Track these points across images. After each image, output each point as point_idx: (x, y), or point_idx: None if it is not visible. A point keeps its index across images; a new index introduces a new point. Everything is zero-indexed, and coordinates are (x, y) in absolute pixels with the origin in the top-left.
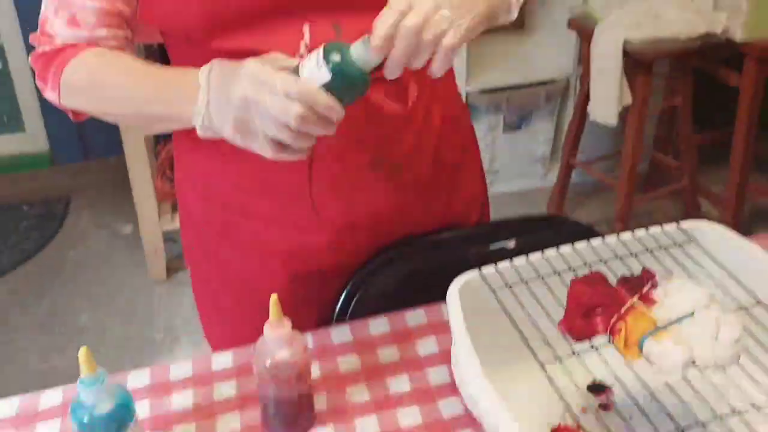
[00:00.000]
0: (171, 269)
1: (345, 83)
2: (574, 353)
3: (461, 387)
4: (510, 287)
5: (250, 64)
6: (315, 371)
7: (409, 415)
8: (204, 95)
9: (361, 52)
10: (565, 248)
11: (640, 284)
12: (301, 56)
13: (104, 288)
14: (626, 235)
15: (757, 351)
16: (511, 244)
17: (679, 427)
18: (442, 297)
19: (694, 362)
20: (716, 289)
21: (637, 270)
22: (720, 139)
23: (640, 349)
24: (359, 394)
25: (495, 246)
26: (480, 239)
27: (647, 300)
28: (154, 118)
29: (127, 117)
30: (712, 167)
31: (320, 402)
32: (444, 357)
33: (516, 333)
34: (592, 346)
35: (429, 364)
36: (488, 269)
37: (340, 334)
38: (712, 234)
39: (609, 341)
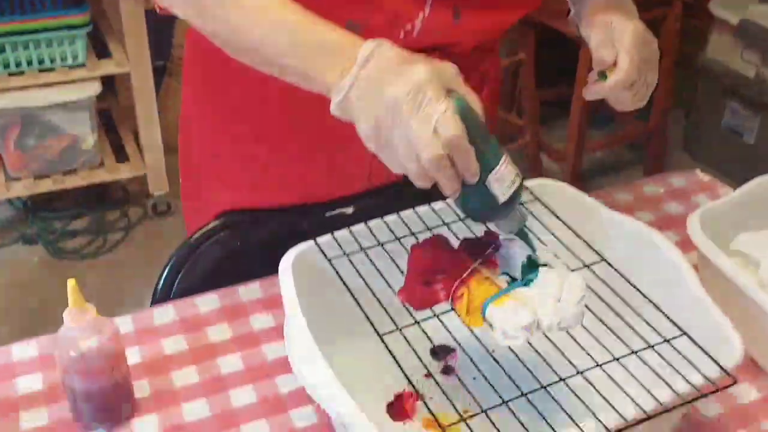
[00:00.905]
0: None
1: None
2: (415, 322)
3: (294, 364)
4: (348, 256)
5: (421, 67)
6: (135, 357)
7: (243, 395)
8: (353, 76)
9: None
10: (406, 212)
11: (483, 247)
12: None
13: None
14: None
15: (600, 309)
16: (349, 210)
17: (523, 390)
18: (277, 270)
19: (538, 325)
20: (560, 248)
21: (480, 233)
22: (563, 96)
23: (483, 314)
24: (186, 377)
25: (332, 213)
26: (317, 208)
27: (490, 263)
28: (282, 69)
29: (247, 53)
30: (553, 123)
31: (142, 389)
32: (281, 332)
33: (354, 304)
34: (434, 314)
35: (265, 340)
36: (324, 238)
37: (163, 314)
38: (555, 192)
39: (451, 308)
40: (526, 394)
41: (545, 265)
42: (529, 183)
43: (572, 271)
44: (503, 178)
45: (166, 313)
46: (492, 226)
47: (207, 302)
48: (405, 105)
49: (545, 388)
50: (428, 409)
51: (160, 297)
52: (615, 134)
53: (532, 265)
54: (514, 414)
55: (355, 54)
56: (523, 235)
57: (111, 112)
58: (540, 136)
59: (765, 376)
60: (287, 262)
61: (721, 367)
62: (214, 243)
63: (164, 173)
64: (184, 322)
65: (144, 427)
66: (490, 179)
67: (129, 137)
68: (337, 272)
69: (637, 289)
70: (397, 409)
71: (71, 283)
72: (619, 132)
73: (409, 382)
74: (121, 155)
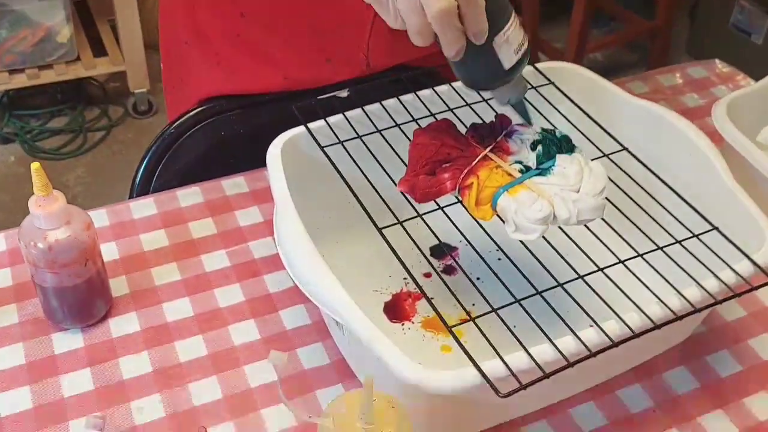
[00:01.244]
0: None
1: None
2: (417, 215)
3: (285, 259)
4: (342, 144)
5: None
6: (112, 252)
7: (230, 294)
8: None
9: None
10: (407, 96)
11: (494, 132)
12: None
13: None
14: None
15: (622, 202)
16: (343, 93)
17: (536, 289)
18: (264, 164)
19: (554, 218)
20: (577, 136)
21: (490, 118)
22: None
23: (494, 206)
24: (167, 274)
25: (324, 96)
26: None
27: (502, 150)
28: None
29: None
30: (552, 22)
31: (119, 287)
32: (269, 227)
33: (350, 196)
34: (438, 207)
35: (252, 236)
36: (317, 123)
37: (143, 207)
38: (571, 76)
39: (458, 200)
40: (541, 292)
41: (570, 149)
42: (542, 65)
43: (591, 160)
44: (511, 41)
45: (145, 206)
46: (488, 95)
47: (189, 196)
48: None
49: (562, 286)
50: (434, 309)
51: (139, 193)
52: (617, 33)
53: (550, 152)
54: (528, 313)
55: None
56: (521, 107)
57: (87, 3)
58: (539, 35)
59: None
60: (276, 149)
61: (755, 264)
62: (196, 133)
63: (145, 69)
64: (165, 216)
65: (122, 326)
66: (498, 41)
67: (107, 30)
68: (330, 161)
69: (662, 181)
70: (395, 309)
71: (35, 166)
72: (621, 31)
73: (413, 279)
74: (98, 49)
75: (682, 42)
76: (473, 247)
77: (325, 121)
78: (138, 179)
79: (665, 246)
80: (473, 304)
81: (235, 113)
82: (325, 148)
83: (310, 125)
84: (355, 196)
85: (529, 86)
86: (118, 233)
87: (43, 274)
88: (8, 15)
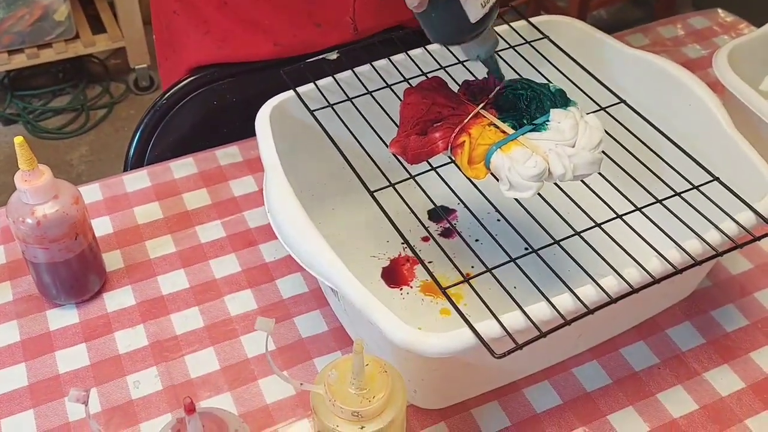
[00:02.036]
0: None
1: None
2: (410, 177)
3: (278, 232)
4: (332, 107)
5: None
6: (106, 226)
7: (225, 265)
8: None
9: None
10: (398, 57)
11: (487, 89)
12: None
13: None
14: None
15: (620, 155)
16: (332, 55)
17: (531, 248)
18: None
19: (549, 174)
20: (573, 90)
21: (483, 75)
22: None
23: (487, 165)
24: (162, 247)
25: (313, 59)
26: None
27: (495, 107)
28: None
29: None
30: None
31: (113, 261)
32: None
33: (340, 161)
34: (431, 168)
35: (247, 206)
36: (306, 87)
37: (136, 180)
38: (565, 29)
39: (450, 160)
40: (537, 250)
41: (565, 103)
42: (536, 19)
43: (587, 114)
44: None
45: (139, 179)
46: (458, 50)
47: (182, 167)
48: None
49: (558, 243)
50: (428, 271)
51: (133, 166)
52: None
53: (544, 106)
54: (524, 272)
55: None
56: (492, 62)
57: None
58: None
59: None
60: (264, 114)
61: (758, 214)
62: (188, 103)
63: (144, 44)
64: (158, 188)
65: (118, 300)
66: None
67: (105, 7)
68: (320, 124)
69: (661, 132)
70: (394, 274)
71: (18, 140)
72: None
73: (408, 244)
74: (97, 27)
75: None
76: (469, 210)
77: (315, 84)
78: (132, 152)
79: (664, 199)
80: (472, 267)
81: (226, 82)
82: (314, 112)
83: (299, 89)
84: (347, 160)
85: (522, 41)
86: (111, 207)
87: (33, 250)
88: None
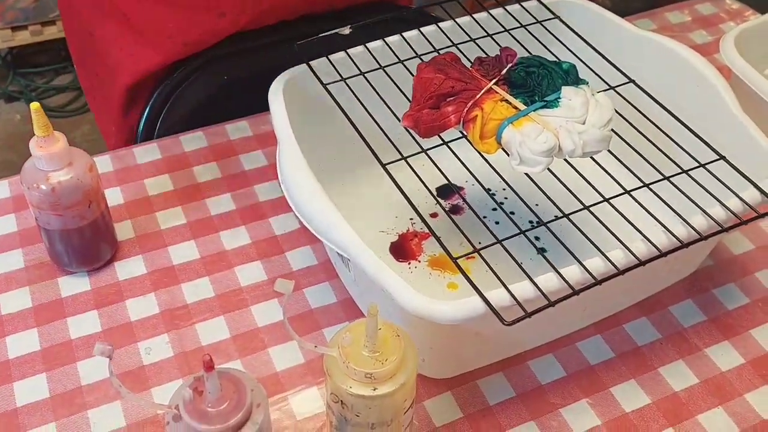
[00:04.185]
0: None
1: None
2: (422, 150)
3: (290, 200)
4: (345, 81)
5: None
6: (116, 197)
7: (235, 237)
8: None
9: None
10: (410, 33)
11: (499, 65)
12: None
13: None
14: (481, 15)
15: (629, 133)
16: (345, 30)
17: (540, 221)
18: (267, 106)
19: (559, 150)
20: (582, 69)
21: (495, 52)
22: None
23: (498, 139)
24: (173, 218)
25: (326, 33)
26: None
27: (508, 83)
28: None
29: None
30: None
31: (125, 230)
32: (274, 171)
33: (354, 135)
34: (443, 142)
35: (256, 180)
36: (318, 61)
37: (147, 153)
38: (578, 10)
39: (462, 135)
40: (546, 223)
41: (577, 81)
42: (547, 0)
43: (598, 92)
44: None
45: (149, 152)
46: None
47: (192, 141)
48: None
49: (567, 216)
50: (439, 241)
51: (142, 139)
52: None
53: (556, 84)
54: (533, 244)
55: None
56: None
57: None
58: None
59: None
60: (278, 87)
61: (763, 192)
62: (198, 79)
63: None
64: (169, 161)
65: (128, 269)
66: None
67: None
68: (332, 97)
69: (669, 111)
70: (402, 249)
71: (34, 106)
72: None
73: (419, 216)
74: None
75: None
76: (480, 184)
77: (327, 58)
78: (141, 127)
79: (672, 176)
80: (479, 243)
81: (235, 58)
82: (327, 86)
83: (312, 63)
84: (359, 132)
85: (534, 20)
86: (122, 178)
87: (47, 216)
88: None
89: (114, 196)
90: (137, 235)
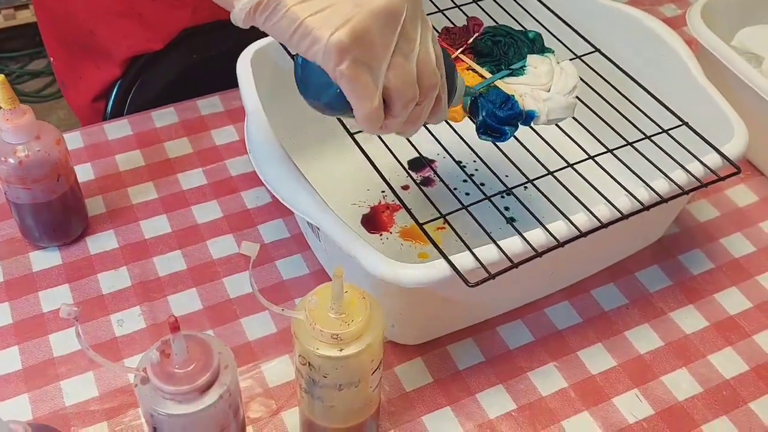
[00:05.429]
0: None
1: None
2: None
3: (259, 171)
4: None
5: None
6: (87, 173)
7: (207, 211)
8: None
9: None
10: None
11: (466, 35)
12: None
13: None
14: None
15: (594, 101)
16: None
17: (506, 187)
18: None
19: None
20: (548, 39)
21: (462, 21)
22: None
23: (465, 108)
24: (144, 193)
25: None
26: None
27: (474, 52)
28: None
29: None
30: None
31: (96, 206)
32: (245, 145)
33: None
34: None
35: (228, 155)
36: None
37: (117, 129)
38: None
39: None
40: (510, 189)
41: (542, 50)
42: None
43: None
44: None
45: (120, 127)
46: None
47: (164, 116)
48: (410, 23)
49: (532, 182)
50: (407, 209)
51: (112, 116)
52: None
53: (521, 52)
54: (497, 208)
55: None
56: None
57: None
58: None
59: (764, 178)
60: (246, 57)
61: (723, 155)
62: (168, 55)
63: None
64: (140, 136)
65: (100, 243)
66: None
67: None
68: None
69: (633, 79)
70: (374, 220)
71: (0, 78)
72: None
73: (389, 187)
74: None
75: None
76: (451, 156)
77: None
78: (110, 101)
79: (635, 141)
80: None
81: (206, 36)
82: (296, 57)
83: None
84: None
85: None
86: (93, 154)
87: (15, 190)
88: None
89: (85, 172)
90: (108, 210)
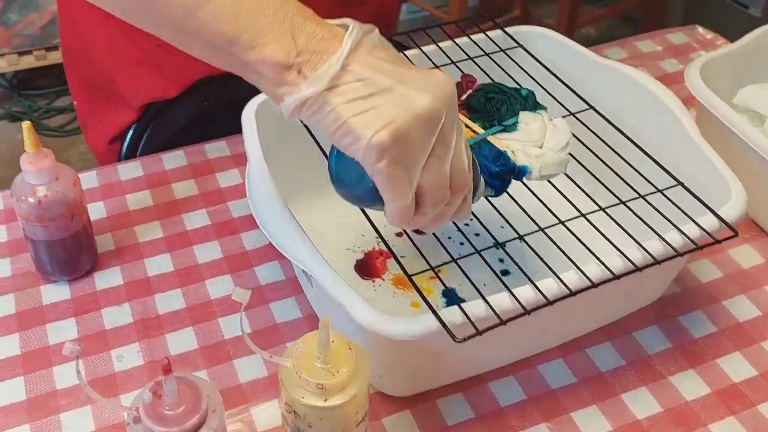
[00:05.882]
0: None
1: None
2: None
3: (255, 214)
4: None
5: (441, 74)
6: (99, 211)
7: (208, 251)
8: (340, 60)
9: None
10: None
11: (459, 91)
12: None
13: None
14: (446, 43)
15: (587, 159)
16: None
17: (497, 242)
18: None
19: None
20: (543, 96)
21: (456, 78)
22: None
23: None
24: (150, 232)
25: None
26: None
27: (467, 109)
28: (208, 46)
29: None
30: None
31: (105, 243)
32: None
33: (321, 157)
34: None
35: (232, 197)
36: None
37: (129, 170)
38: (541, 39)
39: None
40: (501, 244)
41: (535, 107)
42: (511, 29)
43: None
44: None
45: (132, 169)
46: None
47: (173, 159)
48: (448, 119)
49: (522, 238)
50: (396, 260)
51: (126, 157)
52: (609, 7)
53: (514, 109)
54: (487, 263)
55: (333, 31)
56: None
57: None
58: (529, 10)
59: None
60: (250, 109)
61: (719, 218)
62: (180, 102)
63: None
64: (150, 178)
65: (106, 279)
66: None
67: None
68: (301, 121)
69: (627, 137)
70: (367, 266)
71: (26, 125)
72: (614, 5)
73: (380, 236)
74: None
75: (679, 15)
76: None
77: None
78: (125, 145)
79: (628, 201)
80: (443, 263)
81: (217, 84)
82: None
83: None
84: (323, 152)
85: (498, 49)
86: (106, 193)
87: (33, 227)
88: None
89: (97, 210)
90: (116, 247)
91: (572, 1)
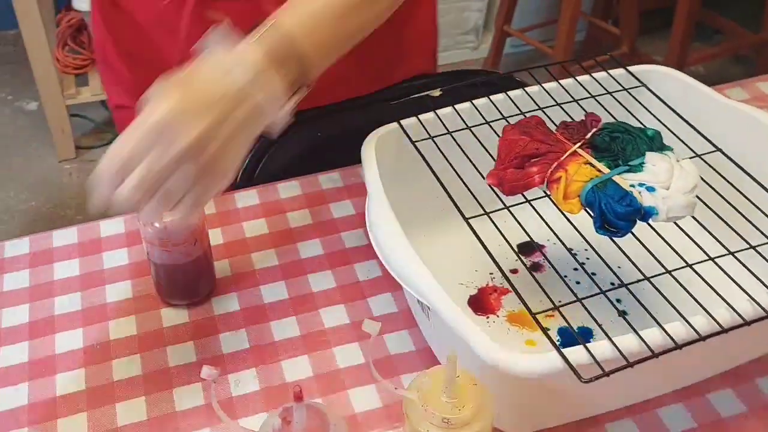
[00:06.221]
0: (80, 147)
1: None
2: (504, 207)
3: (377, 247)
4: (433, 139)
5: None
6: (217, 237)
7: (322, 280)
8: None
9: None
10: (498, 96)
11: (584, 130)
12: None
13: (11, 168)
14: (568, 81)
15: (714, 201)
16: (436, 92)
17: (621, 282)
18: (357, 160)
19: (643, 214)
20: (669, 137)
21: (579, 117)
22: (664, 4)
23: (582, 201)
24: (266, 260)
25: (417, 96)
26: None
27: (592, 147)
28: None
29: None
30: (652, 34)
31: (222, 269)
32: (361, 220)
33: (439, 189)
34: (525, 200)
35: (344, 227)
36: (409, 120)
37: (246, 198)
38: (665, 78)
39: (545, 193)
40: (626, 285)
41: (661, 148)
42: (635, 68)
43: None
44: None
45: (249, 197)
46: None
47: (288, 189)
48: None
49: (649, 279)
50: (519, 297)
51: (241, 185)
52: (720, 46)
53: (640, 149)
54: (614, 305)
55: None
56: None
57: None
58: (638, 48)
59: None
60: (370, 143)
61: None
62: (292, 134)
63: None
64: (266, 206)
65: (223, 305)
66: None
67: None
68: (421, 154)
69: (757, 181)
70: (481, 302)
71: None
72: (724, 43)
73: (500, 270)
74: None
75: None
76: (563, 243)
77: (417, 118)
78: (240, 174)
79: (758, 245)
80: (559, 300)
81: (331, 116)
82: (416, 143)
83: (403, 122)
84: (444, 188)
85: (620, 87)
86: (223, 220)
87: (157, 252)
88: None
89: (215, 237)
90: (233, 274)
91: (683, 38)
